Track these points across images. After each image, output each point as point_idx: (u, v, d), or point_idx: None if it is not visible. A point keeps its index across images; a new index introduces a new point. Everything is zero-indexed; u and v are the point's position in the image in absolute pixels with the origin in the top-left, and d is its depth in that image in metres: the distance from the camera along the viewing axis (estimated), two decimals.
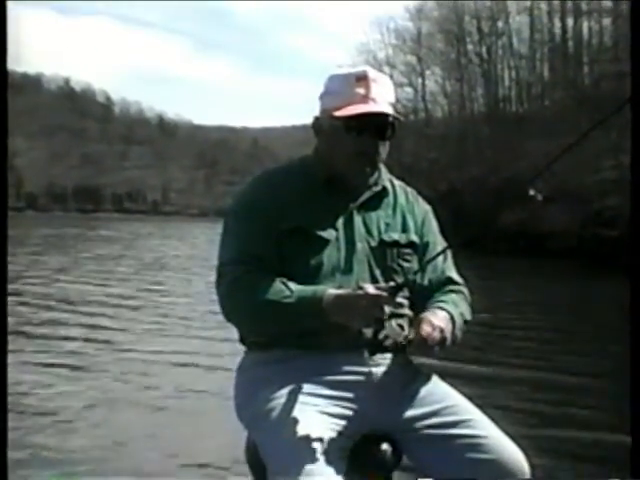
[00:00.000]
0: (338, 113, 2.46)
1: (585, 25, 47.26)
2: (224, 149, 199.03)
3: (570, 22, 47.90)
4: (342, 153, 2.50)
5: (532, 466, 2.37)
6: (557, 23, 49.26)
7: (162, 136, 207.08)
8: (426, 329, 2.33)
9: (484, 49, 53.04)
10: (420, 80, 57.89)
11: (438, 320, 2.39)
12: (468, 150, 47.63)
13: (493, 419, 2.44)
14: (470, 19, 53.37)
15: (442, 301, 2.55)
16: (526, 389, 8.21)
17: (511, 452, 2.34)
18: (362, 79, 2.49)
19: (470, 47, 54.24)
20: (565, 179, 32.13)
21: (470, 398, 2.51)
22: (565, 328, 13.07)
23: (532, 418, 6.94)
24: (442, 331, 2.37)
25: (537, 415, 7.14)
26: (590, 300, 17.06)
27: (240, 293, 2.40)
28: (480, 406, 2.47)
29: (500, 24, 52.07)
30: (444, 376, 2.59)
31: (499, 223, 33.56)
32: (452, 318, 2.47)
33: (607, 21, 43.71)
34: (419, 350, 2.39)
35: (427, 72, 57.73)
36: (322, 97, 2.59)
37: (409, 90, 58.64)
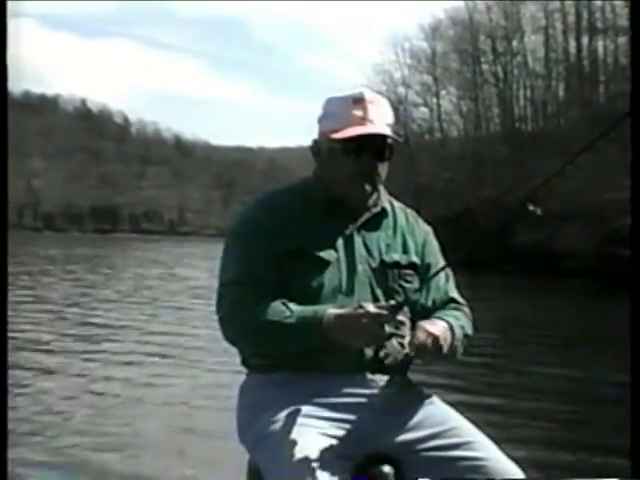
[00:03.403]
0: (336, 135, 2.48)
1: (600, 44, 47.40)
2: (241, 169, 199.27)
3: (585, 41, 48.01)
4: (341, 175, 2.52)
5: None
6: (572, 42, 49.35)
7: (179, 156, 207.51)
8: (420, 336, 2.35)
9: (499, 68, 53.14)
10: (435, 100, 58.10)
11: (434, 328, 2.40)
12: (484, 170, 47.62)
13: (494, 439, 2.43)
14: (485, 38, 53.54)
15: (443, 313, 2.57)
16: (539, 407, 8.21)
17: (513, 475, 2.32)
18: (359, 101, 2.50)
19: (485, 67, 54.41)
20: (581, 198, 32.10)
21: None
22: (579, 347, 13.05)
23: (539, 432, 6.96)
24: (437, 339, 2.37)
25: (544, 424, 7.18)
26: (606, 319, 16.98)
27: (240, 314, 2.41)
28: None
29: (515, 43, 52.21)
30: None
31: (515, 243, 33.57)
32: (451, 328, 2.48)
33: (622, 40, 43.65)
34: (414, 356, 2.40)
35: (442, 92, 58.00)
36: (320, 120, 2.60)
37: (424, 110, 58.95)
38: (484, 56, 54.23)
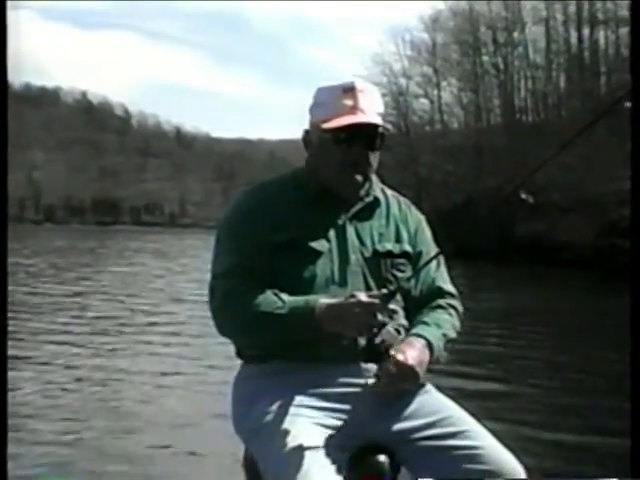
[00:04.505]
0: (327, 125, 2.47)
1: (601, 35, 47.21)
2: (241, 161, 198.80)
3: (586, 32, 47.82)
4: (332, 165, 2.51)
5: (530, 475, 2.36)
6: (573, 33, 49.18)
7: (179, 149, 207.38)
8: (391, 369, 2.33)
9: (500, 60, 52.96)
10: (436, 91, 57.95)
11: (409, 354, 2.36)
12: (484, 161, 47.51)
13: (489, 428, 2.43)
14: (486, 30, 53.33)
15: (424, 323, 2.53)
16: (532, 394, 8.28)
17: (508, 462, 2.32)
18: (349, 90, 2.50)
19: (486, 58, 54.19)
20: (581, 190, 32.03)
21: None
22: (577, 337, 13.11)
23: (535, 423, 6.99)
24: (411, 369, 2.35)
25: (542, 419, 7.21)
26: (605, 310, 17.00)
27: (232, 306, 2.41)
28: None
29: (516, 34, 52.01)
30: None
31: (515, 233, 33.51)
32: (430, 345, 2.45)
33: (623, 31, 43.48)
34: (386, 387, 2.38)
35: (443, 83, 57.78)
36: (311, 110, 2.60)
37: (425, 101, 58.78)
38: (485, 47, 54.05)
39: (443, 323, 2.57)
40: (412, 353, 2.38)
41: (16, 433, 5.76)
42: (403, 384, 2.39)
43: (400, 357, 2.34)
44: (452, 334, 2.58)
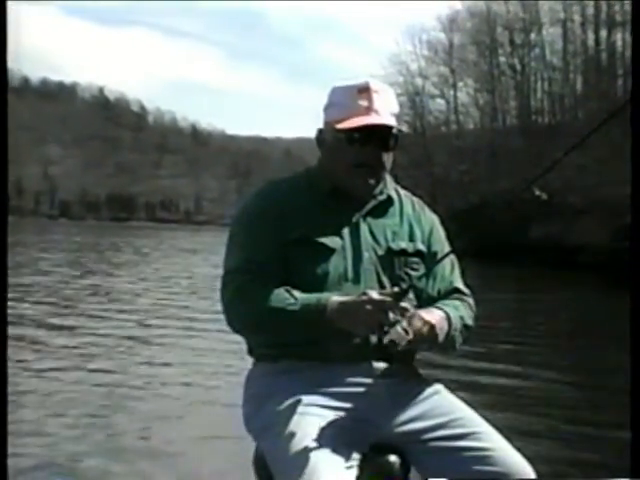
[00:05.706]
0: (341, 125, 2.47)
1: (619, 37, 46.97)
2: (257, 159, 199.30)
3: (604, 34, 47.66)
4: (345, 165, 2.51)
5: (540, 477, 2.35)
6: (591, 35, 49.03)
7: (195, 145, 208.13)
8: (416, 324, 2.31)
9: (517, 61, 52.90)
10: (452, 92, 57.89)
11: (430, 316, 2.37)
12: (500, 162, 47.40)
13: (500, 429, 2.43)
14: (503, 30, 53.29)
15: (443, 303, 2.55)
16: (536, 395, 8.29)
17: (519, 464, 2.31)
18: (364, 91, 2.49)
19: (503, 59, 54.17)
20: (596, 192, 31.91)
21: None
22: (588, 338, 13.10)
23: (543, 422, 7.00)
24: (433, 327, 2.35)
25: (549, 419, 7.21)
26: (618, 312, 16.97)
27: (244, 301, 2.41)
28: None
29: (533, 35, 51.96)
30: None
31: (530, 235, 33.42)
32: (448, 317, 2.46)
33: None
34: (410, 343, 2.34)
35: (459, 84, 57.78)
36: (325, 109, 2.60)
37: (441, 102, 58.78)
38: (502, 48, 54.00)
39: (460, 308, 2.58)
40: (434, 316, 2.39)
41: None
42: (421, 342, 2.36)
43: (424, 315, 2.35)
44: (469, 321, 2.58)
